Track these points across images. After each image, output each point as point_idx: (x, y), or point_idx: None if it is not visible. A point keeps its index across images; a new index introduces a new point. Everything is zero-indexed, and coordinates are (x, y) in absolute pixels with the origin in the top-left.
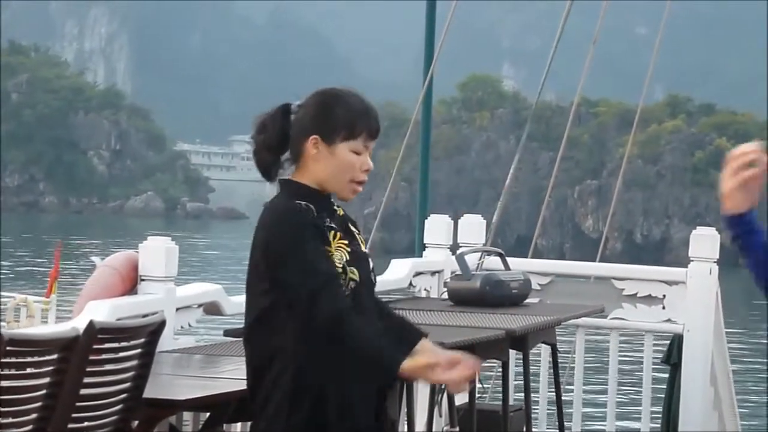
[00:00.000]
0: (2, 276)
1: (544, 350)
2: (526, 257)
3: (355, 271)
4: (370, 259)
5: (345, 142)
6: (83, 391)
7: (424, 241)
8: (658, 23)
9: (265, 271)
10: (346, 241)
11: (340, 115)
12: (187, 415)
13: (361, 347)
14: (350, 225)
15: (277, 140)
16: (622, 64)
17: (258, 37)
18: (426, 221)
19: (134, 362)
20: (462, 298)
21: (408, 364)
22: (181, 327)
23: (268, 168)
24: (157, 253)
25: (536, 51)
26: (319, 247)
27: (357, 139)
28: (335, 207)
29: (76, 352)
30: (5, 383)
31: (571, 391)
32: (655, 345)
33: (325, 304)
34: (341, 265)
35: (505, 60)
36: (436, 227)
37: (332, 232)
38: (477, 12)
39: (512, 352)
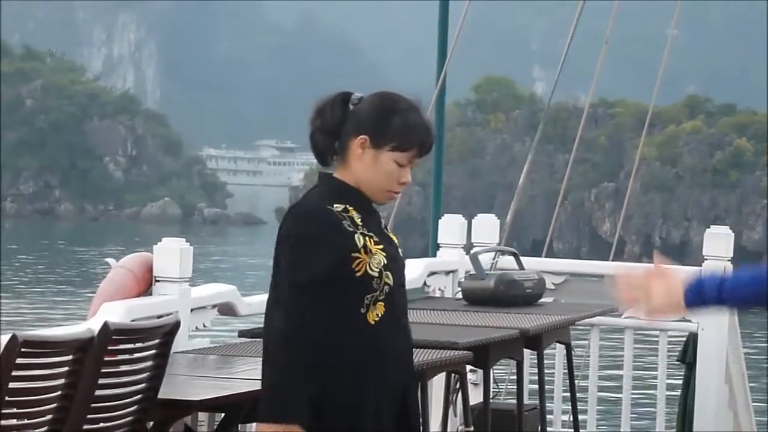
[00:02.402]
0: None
1: (559, 349)
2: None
3: (390, 275)
4: (403, 260)
5: (392, 152)
6: (98, 392)
7: (438, 241)
8: (691, 25)
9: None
10: (382, 246)
11: (395, 125)
12: (202, 416)
13: (273, 374)
14: (382, 221)
15: (334, 126)
16: (654, 66)
17: (286, 43)
18: (440, 221)
19: (149, 363)
20: (476, 298)
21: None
22: (196, 328)
23: (323, 151)
24: (171, 254)
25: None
26: (326, 256)
27: (405, 152)
28: (371, 203)
29: (91, 353)
30: (20, 384)
31: (586, 389)
32: (669, 344)
33: (283, 316)
34: (378, 270)
35: (535, 63)
36: (450, 227)
37: (369, 238)
38: (505, 15)
39: (527, 352)
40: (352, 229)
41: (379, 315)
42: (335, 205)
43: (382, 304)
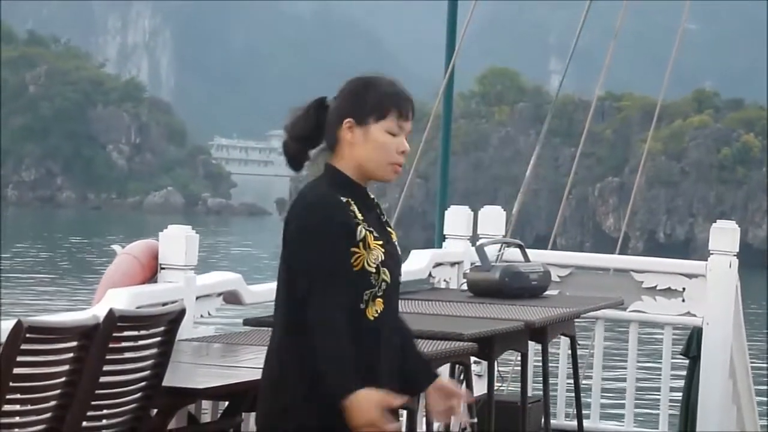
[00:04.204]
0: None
1: (563, 342)
2: None
3: (387, 272)
4: (400, 258)
5: (378, 123)
6: (102, 379)
7: (444, 232)
8: (711, 20)
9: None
10: (381, 242)
11: (371, 97)
12: (206, 404)
13: (322, 361)
14: (382, 217)
15: (308, 131)
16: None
17: (303, 33)
18: (446, 212)
19: (154, 350)
20: (481, 290)
21: (359, 396)
22: (201, 316)
23: (295, 157)
24: (177, 241)
25: (584, 47)
26: (336, 246)
27: (388, 118)
28: (371, 198)
29: (96, 340)
30: (25, 370)
31: (591, 381)
32: (674, 338)
33: (312, 309)
34: (375, 266)
35: (552, 56)
36: (457, 218)
37: (369, 233)
38: (524, 8)
39: (531, 344)
40: (356, 221)
41: (378, 311)
42: (341, 197)
43: (381, 300)
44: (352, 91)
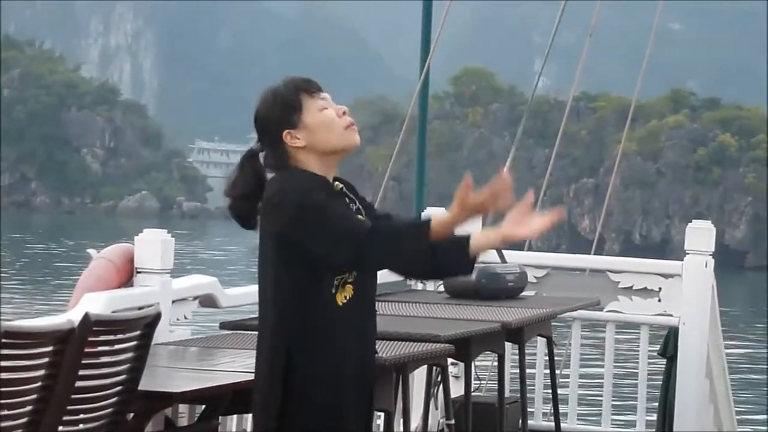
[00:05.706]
0: None
1: (540, 343)
2: None
3: None
4: None
5: (306, 113)
6: (78, 384)
7: None
8: (692, 19)
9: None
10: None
11: (280, 102)
12: (182, 408)
13: (392, 250)
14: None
15: (250, 186)
16: (656, 59)
17: (289, 32)
18: (422, 214)
19: (130, 355)
20: (458, 291)
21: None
22: (177, 319)
23: (245, 215)
24: (152, 245)
25: (568, 47)
26: (337, 205)
27: (307, 101)
28: (339, 188)
29: (72, 345)
30: (0, 375)
31: (567, 382)
32: (651, 338)
33: (349, 254)
34: None
35: (536, 56)
36: None
37: (353, 206)
38: (509, 9)
39: (508, 345)
40: (347, 200)
41: (347, 297)
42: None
43: (351, 286)
44: (265, 111)
